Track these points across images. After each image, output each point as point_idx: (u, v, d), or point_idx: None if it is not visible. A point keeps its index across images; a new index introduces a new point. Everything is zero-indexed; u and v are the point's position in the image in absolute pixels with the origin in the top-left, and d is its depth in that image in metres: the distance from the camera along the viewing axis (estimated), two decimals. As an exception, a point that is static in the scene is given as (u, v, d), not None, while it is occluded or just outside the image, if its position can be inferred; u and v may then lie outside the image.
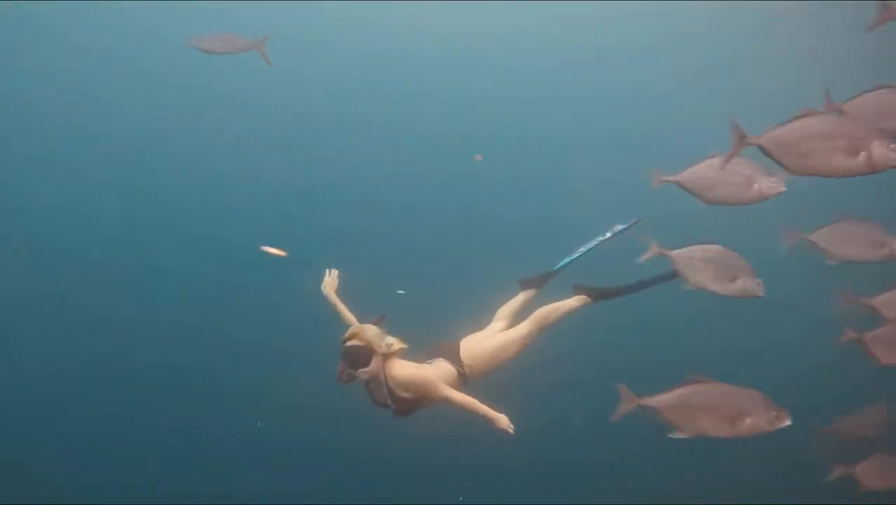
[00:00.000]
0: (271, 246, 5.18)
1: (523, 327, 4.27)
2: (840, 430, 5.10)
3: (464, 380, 3.97)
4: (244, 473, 6.91)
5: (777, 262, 3.97)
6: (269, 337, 7.24)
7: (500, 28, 10.50)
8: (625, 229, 4.62)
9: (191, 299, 7.96)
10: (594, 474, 6.83)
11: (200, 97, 9.73)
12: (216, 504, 6.50)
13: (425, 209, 9.25)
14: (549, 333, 4.31)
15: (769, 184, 3.29)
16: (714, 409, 3.28)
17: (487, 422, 3.64)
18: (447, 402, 3.74)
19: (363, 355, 3.65)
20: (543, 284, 4.64)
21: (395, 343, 3.75)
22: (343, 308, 4.15)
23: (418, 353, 3.89)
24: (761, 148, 2.99)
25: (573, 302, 4.35)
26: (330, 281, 4.25)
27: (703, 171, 3.53)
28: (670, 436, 3.35)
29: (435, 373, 3.87)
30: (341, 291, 4.21)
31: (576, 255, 4.64)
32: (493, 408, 3.64)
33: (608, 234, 4.61)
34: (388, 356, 3.72)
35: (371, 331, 3.73)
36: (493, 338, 4.28)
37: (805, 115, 2.89)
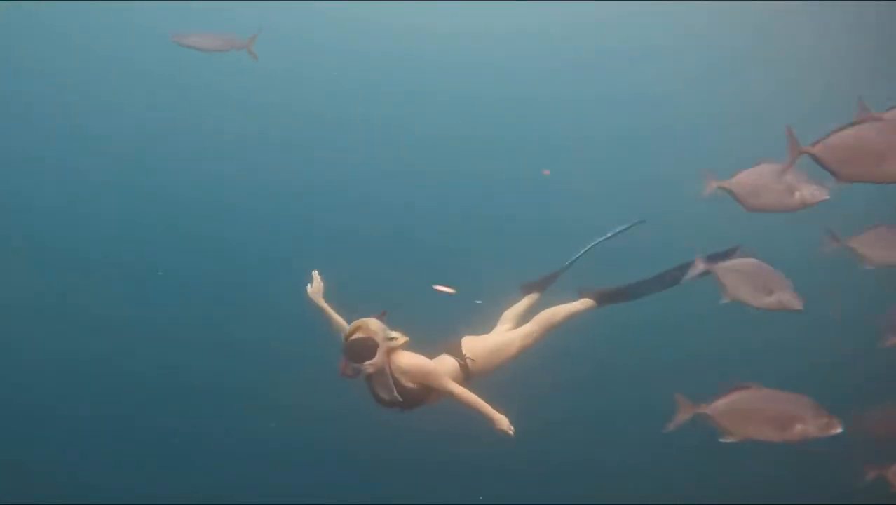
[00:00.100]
0: (442, 285, 5.19)
1: (527, 327, 4.32)
2: (872, 427, 5.06)
3: (466, 374, 3.98)
4: (245, 473, 6.91)
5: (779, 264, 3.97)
6: (268, 336, 7.24)
7: (501, 28, 10.51)
8: (626, 229, 4.63)
9: (189, 299, 7.94)
10: (597, 475, 6.83)
11: (199, 97, 9.73)
12: (216, 504, 6.50)
13: (429, 210, 9.23)
14: (553, 334, 4.31)
15: (812, 192, 3.35)
16: (765, 414, 3.35)
17: (488, 421, 3.66)
18: (450, 395, 3.76)
19: (369, 347, 3.65)
20: (546, 287, 4.65)
21: (399, 336, 3.78)
22: (332, 312, 4.13)
23: (421, 352, 3.88)
24: (814, 157, 3.03)
25: (578, 305, 4.38)
26: (315, 286, 4.19)
27: (748, 177, 3.59)
28: (722, 441, 3.41)
29: (439, 366, 3.89)
30: (330, 294, 4.16)
31: (576, 256, 4.65)
32: (495, 408, 3.66)
33: (609, 235, 4.62)
34: (392, 348, 3.74)
35: (374, 323, 3.74)
36: (496, 335, 4.33)
37: (858, 123, 2.91)
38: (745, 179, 3.63)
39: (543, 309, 4.39)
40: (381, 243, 8.48)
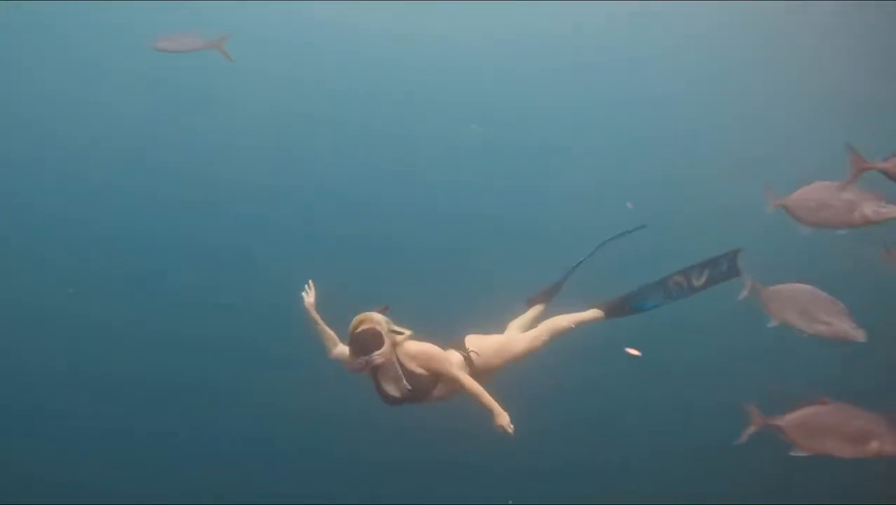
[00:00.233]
0: (631, 349, 5.21)
1: (533, 331, 4.38)
2: None
3: (471, 369, 4.00)
4: (245, 474, 6.91)
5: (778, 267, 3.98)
6: (268, 337, 7.22)
7: (506, 31, 10.50)
8: (627, 233, 4.64)
9: (185, 303, 7.92)
10: (598, 476, 6.84)
11: (193, 100, 9.70)
12: (217, 504, 6.50)
13: (429, 213, 9.21)
14: (558, 341, 4.32)
15: (874, 209, 3.35)
16: (840, 430, 3.36)
17: (488, 415, 3.69)
18: (456, 381, 3.80)
19: (376, 337, 3.67)
20: (550, 298, 4.68)
21: (403, 329, 3.84)
22: (323, 325, 4.17)
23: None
24: (885, 173, 3.04)
25: (586, 315, 4.42)
26: (310, 298, 4.21)
27: (807, 195, 3.60)
28: (793, 455, 3.44)
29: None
30: (328, 300, 4.20)
31: (577, 263, 4.67)
32: (499, 404, 3.69)
33: (608, 239, 4.64)
34: (397, 339, 3.79)
35: (378, 315, 3.79)
36: (501, 335, 4.38)
37: None
38: (803, 197, 3.65)
39: (550, 317, 4.43)
40: (379, 247, 8.47)
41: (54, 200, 8.70)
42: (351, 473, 6.88)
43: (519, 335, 4.40)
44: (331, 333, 4.15)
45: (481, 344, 4.14)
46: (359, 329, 3.71)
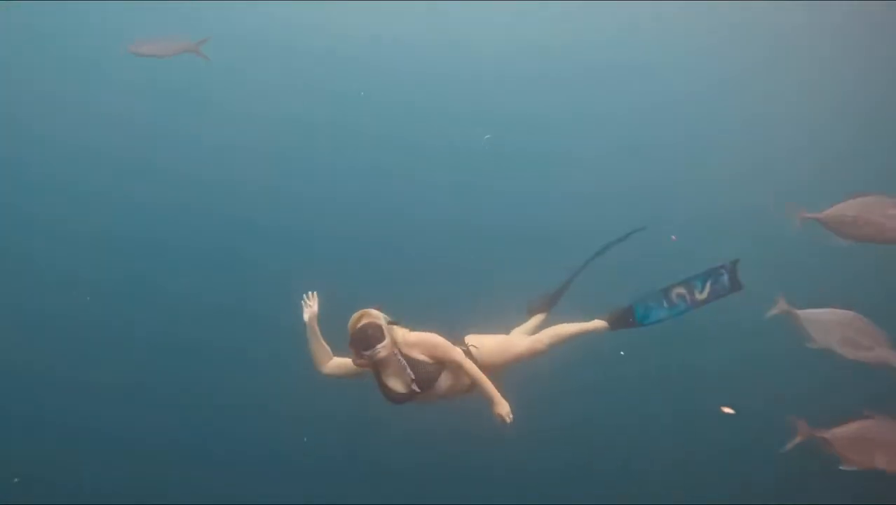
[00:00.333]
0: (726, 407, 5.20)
1: (536, 336, 4.36)
2: None
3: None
4: (245, 475, 6.90)
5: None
6: (266, 345, 7.20)
7: (514, 34, 10.48)
8: (625, 238, 4.63)
9: (185, 305, 7.91)
10: (600, 477, 6.83)
11: (192, 103, 9.67)
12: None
13: (431, 215, 9.18)
14: (562, 347, 4.31)
15: None
16: (890, 445, 3.35)
17: (488, 402, 3.70)
18: (459, 367, 3.81)
19: (377, 330, 3.69)
20: (551, 307, 4.66)
21: (401, 322, 3.87)
22: (322, 340, 4.14)
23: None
24: None
25: (590, 325, 4.41)
26: (312, 310, 4.13)
27: (847, 209, 3.63)
28: (843, 469, 3.44)
29: None
30: (325, 307, 4.15)
31: (576, 270, 4.65)
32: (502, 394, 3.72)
33: (607, 244, 4.63)
34: (396, 331, 3.82)
35: (374, 311, 3.82)
36: (502, 335, 4.39)
37: None
38: (844, 211, 3.68)
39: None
40: (379, 249, 8.45)
41: (53, 202, 8.69)
42: (351, 474, 6.88)
43: (520, 337, 4.40)
44: (326, 347, 4.13)
45: (482, 341, 4.16)
46: (359, 325, 3.72)
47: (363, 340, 3.66)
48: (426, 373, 3.78)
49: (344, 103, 10.14)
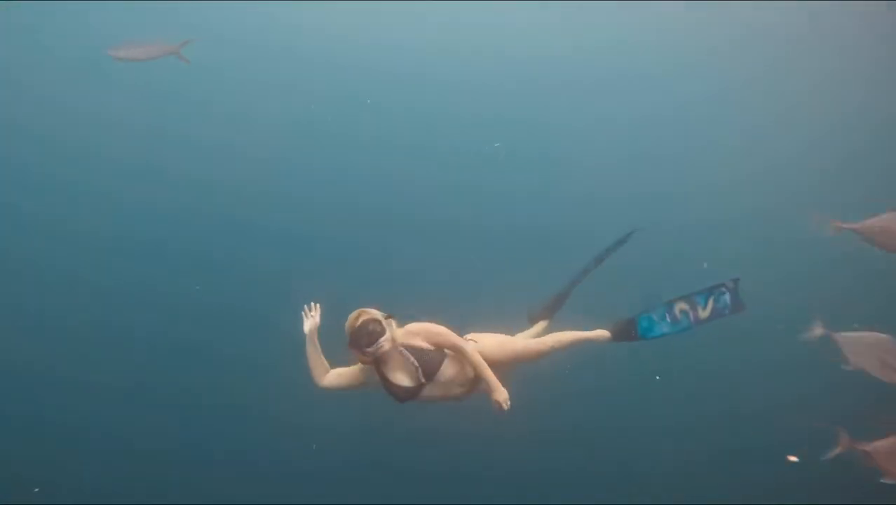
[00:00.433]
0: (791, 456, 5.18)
1: (540, 336, 4.34)
2: None
3: None
4: (243, 476, 6.89)
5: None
6: (266, 346, 7.19)
7: (517, 41, 10.48)
8: (622, 241, 4.63)
9: (184, 307, 7.90)
10: (603, 481, 6.83)
11: (191, 104, 9.67)
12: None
13: (431, 217, 9.16)
14: (563, 353, 4.31)
15: None
16: None
17: (487, 390, 3.71)
18: (461, 352, 3.85)
19: (377, 324, 3.72)
20: (553, 313, 4.67)
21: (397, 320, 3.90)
22: (320, 353, 4.12)
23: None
24: None
25: (592, 334, 4.41)
26: (313, 321, 4.12)
27: (883, 222, 3.68)
28: (884, 481, 3.44)
29: None
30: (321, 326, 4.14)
31: (576, 277, 4.65)
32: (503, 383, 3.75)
33: (605, 250, 4.63)
34: (396, 328, 3.86)
35: (371, 309, 3.86)
36: (503, 334, 4.38)
37: None
38: (881, 224, 3.72)
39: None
40: (379, 251, 8.44)
41: (53, 203, 8.67)
42: (351, 474, 6.87)
43: (522, 337, 4.43)
44: (325, 361, 4.12)
45: (482, 337, 4.18)
46: (359, 322, 3.73)
47: (365, 336, 3.68)
48: (430, 360, 3.82)
49: (345, 105, 10.14)
